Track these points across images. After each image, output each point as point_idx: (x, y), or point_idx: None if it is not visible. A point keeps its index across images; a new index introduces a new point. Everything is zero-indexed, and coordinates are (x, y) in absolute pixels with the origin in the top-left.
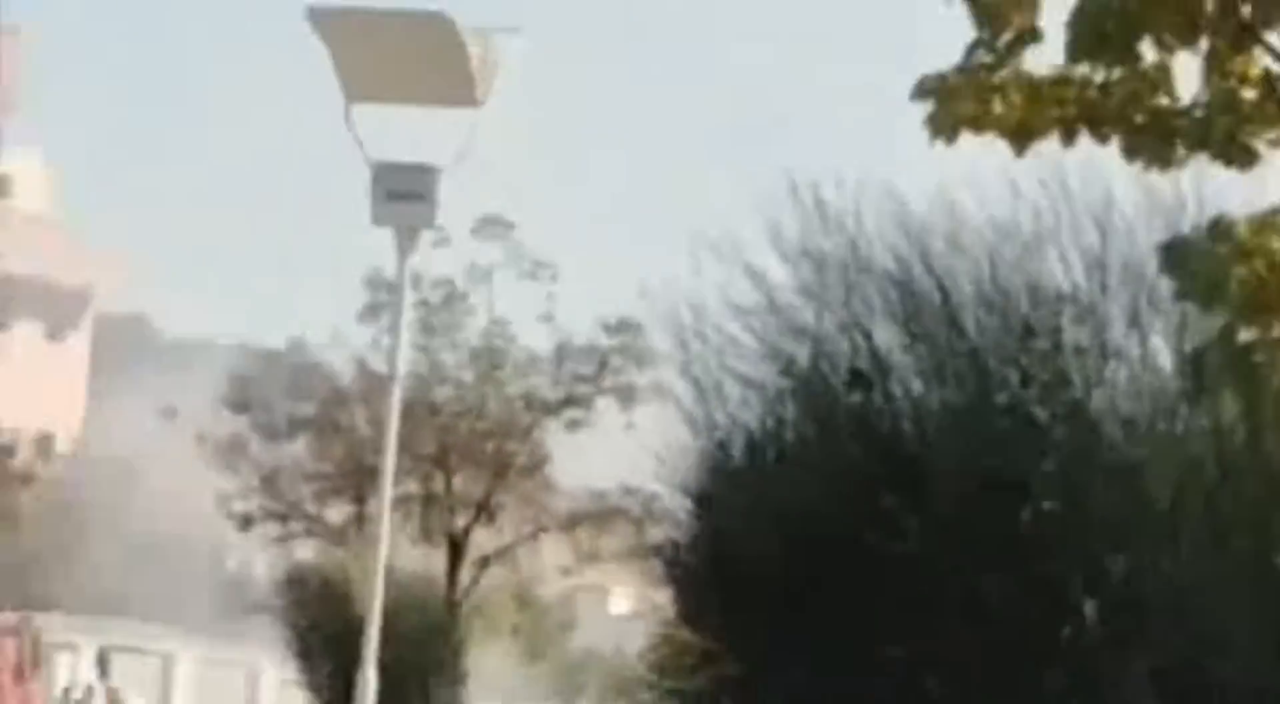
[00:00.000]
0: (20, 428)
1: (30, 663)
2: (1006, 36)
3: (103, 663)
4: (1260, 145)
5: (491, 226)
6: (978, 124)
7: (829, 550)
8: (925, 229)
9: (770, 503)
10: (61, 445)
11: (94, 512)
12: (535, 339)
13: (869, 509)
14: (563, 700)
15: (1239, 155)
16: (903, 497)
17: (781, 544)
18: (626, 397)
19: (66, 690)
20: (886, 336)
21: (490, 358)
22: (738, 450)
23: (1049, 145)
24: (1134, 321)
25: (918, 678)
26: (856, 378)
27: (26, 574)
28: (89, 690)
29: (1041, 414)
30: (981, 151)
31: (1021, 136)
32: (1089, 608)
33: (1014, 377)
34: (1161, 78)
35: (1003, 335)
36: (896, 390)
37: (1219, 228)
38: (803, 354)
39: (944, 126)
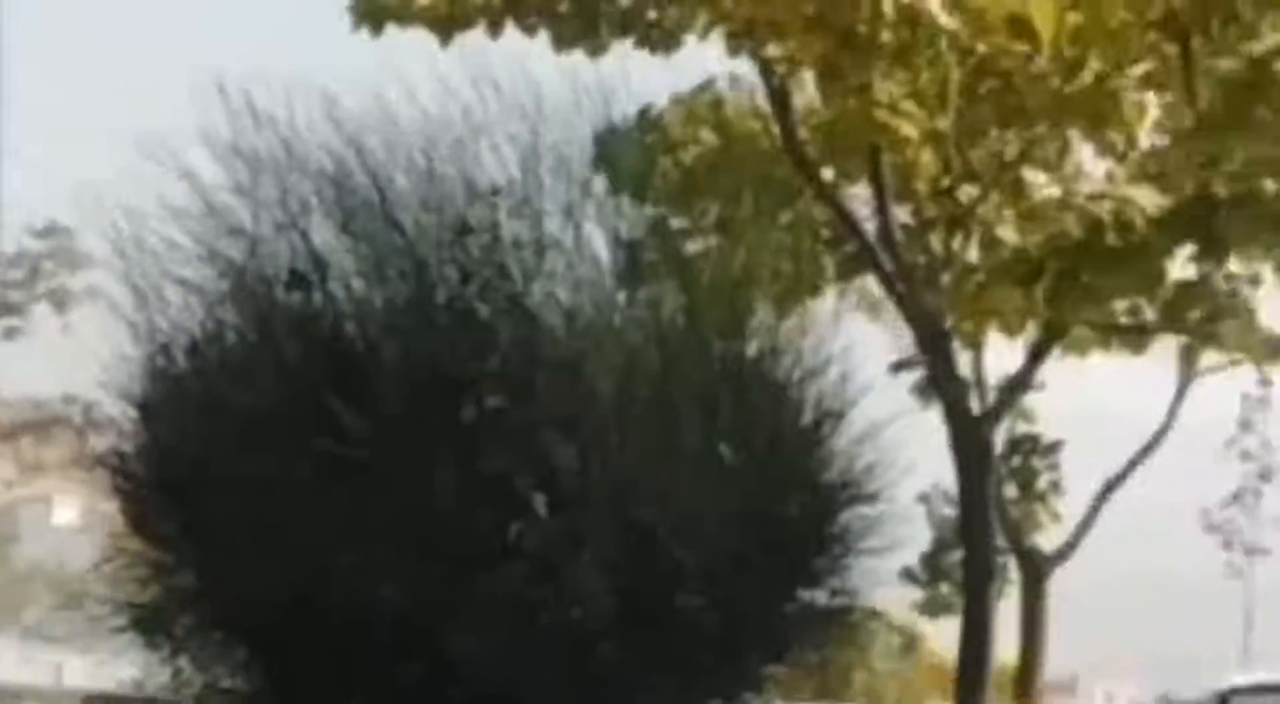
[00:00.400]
0: None
1: None
2: None
3: None
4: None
5: None
6: (402, 15)
7: (276, 455)
8: (358, 126)
9: (215, 409)
10: None
11: None
12: None
13: (315, 412)
14: (8, 614)
15: (660, 40)
16: (347, 398)
17: (228, 451)
18: (61, 302)
19: None
20: (325, 236)
21: None
22: (180, 356)
23: (475, 36)
24: (569, 213)
25: (371, 584)
26: (295, 278)
27: None
28: None
29: (483, 309)
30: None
31: (446, 27)
32: (539, 503)
33: (454, 273)
34: None
35: (441, 232)
36: (337, 291)
37: (646, 119)
38: (241, 256)
39: (367, 15)
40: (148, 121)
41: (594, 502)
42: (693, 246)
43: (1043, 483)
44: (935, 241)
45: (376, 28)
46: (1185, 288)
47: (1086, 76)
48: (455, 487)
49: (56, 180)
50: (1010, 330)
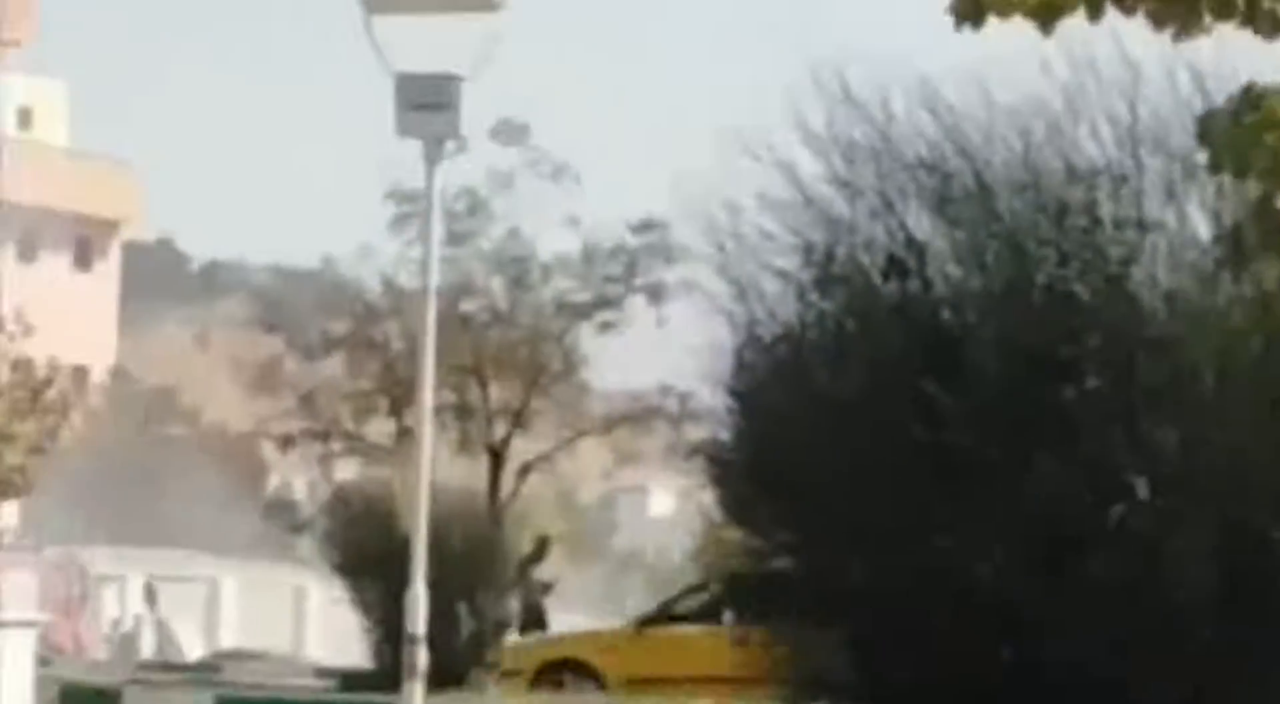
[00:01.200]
0: (54, 360)
1: (78, 597)
2: None
3: (150, 593)
4: None
5: (508, 130)
6: (1001, 6)
7: (872, 441)
8: (955, 113)
9: (811, 396)
10: (96, 376)
11: (133, 441)
12: (563, 243)
13: (911, 398)
14: (613, 604)
15: (1264, 22)
16: (945, 383)
17: (824, 437)
18: (657, 295)
19: (115, 622)
20: (921, 223)
21: (517, 265)
22: (776, 345)
23: (1074, 21)
24: (1170, 194)
25: (968, 564)
26: (893, 266)
27: (70, 509)
28: (137, 621)
29: (1081, 291)
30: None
31: (1047, 14)
32: (1140, 485)
33: (1052, 255)
34: None
35: (1038, 215)
36: (934, 277)
37: (1248, 97)
38: (838, 246)
39: (968, 10)
40: (741, 116)
41: (1196, 484)
42: None
43: None
44: None
45: (977, 23)
46: None
47: None
48: (1054, 469)
49: (653, 175)
50: None
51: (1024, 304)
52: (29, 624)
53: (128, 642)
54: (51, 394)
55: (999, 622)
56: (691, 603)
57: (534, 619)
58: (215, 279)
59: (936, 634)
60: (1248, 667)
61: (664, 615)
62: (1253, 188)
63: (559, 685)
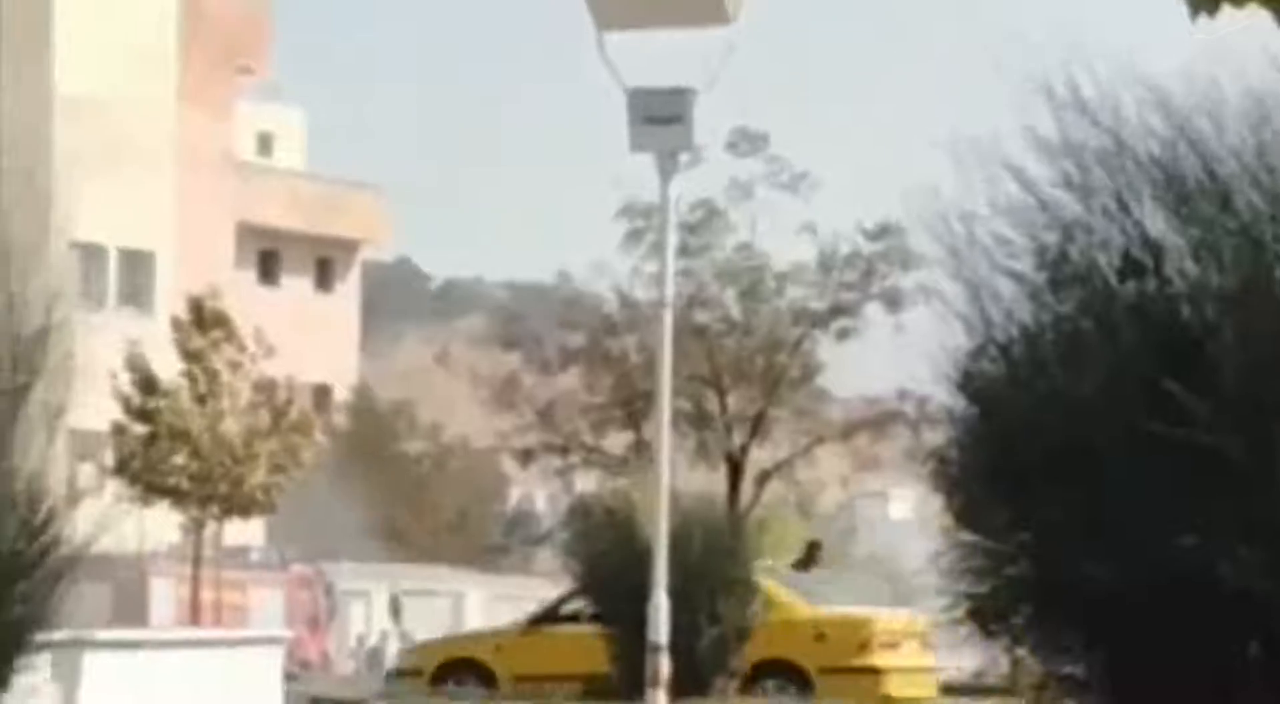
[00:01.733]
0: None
1: (325, 613)
2: None
3: (395, 608)
4: None
5: (746, 141)
6: None
7: (1111, 441)
8: (1186, 110)
9: (1049, 398)
10: (339, 395)
11: (376, 459)
12: (797, 251)
13: (1152, 399)
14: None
15: None
16: (1185, 381)
17: (1064, 440)
18: (894, 301)
19: (361, 637)
20: (1156, 222)
21: (752, 275)
22: (1013, 347)
23: None
24: None
25: (1213, 564)
26: (1130, 266)
27: (313, 526)
28: (384, 635)
29: None
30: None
31: None
32: None
33: None
34: None
35: (1275, 209)
36: (1171, 275)
37: None
38: (1072, 247)
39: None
40: (971, 121)
41: None
42: None
43: None
44: None
45: (1212, 10)
46: None
47: None
48: None
49: (888, 182)
50: None
51: (1263, 299)
52: (276, 640)
53: (374, 656)
54: (294, 413)
55: (1245, 621)
56: (581, 603)
57: None
58: (453, 297)
59: (1181, 634)
60: None
61: (553, 615)
62: None
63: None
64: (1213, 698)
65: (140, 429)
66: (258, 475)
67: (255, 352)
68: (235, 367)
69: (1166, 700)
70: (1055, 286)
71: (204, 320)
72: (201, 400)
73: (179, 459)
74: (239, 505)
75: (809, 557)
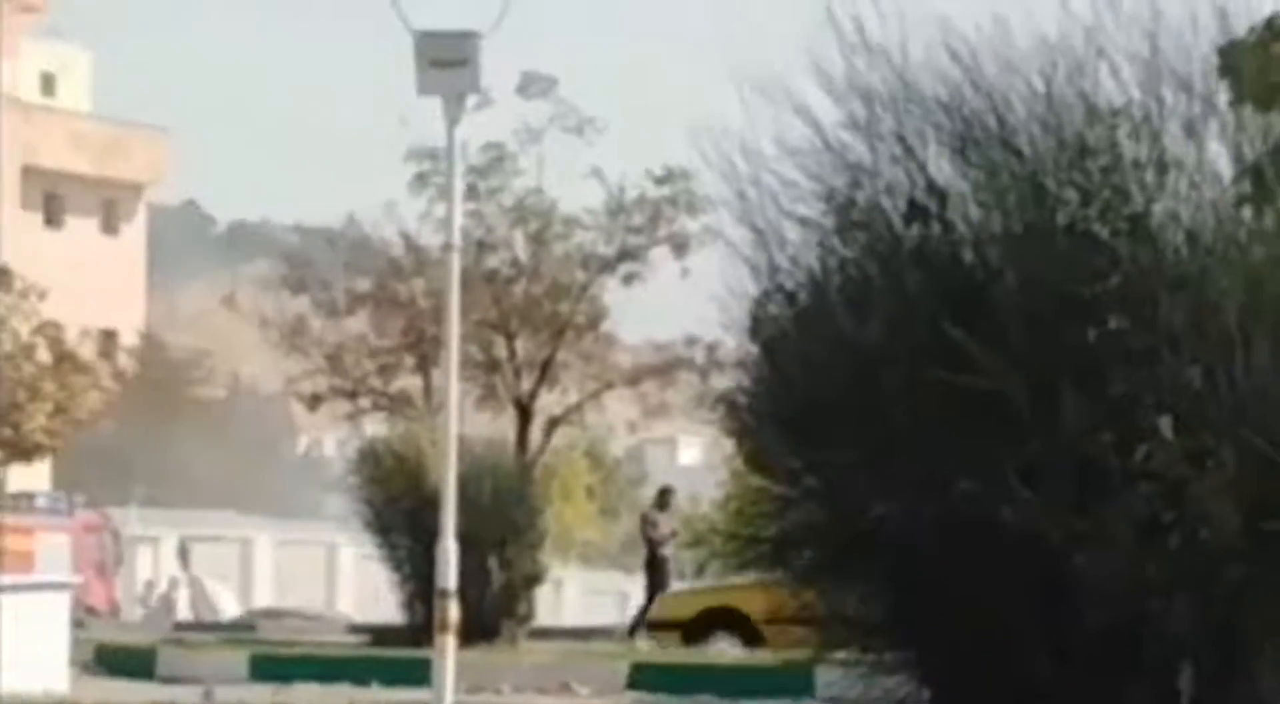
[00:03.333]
0: (82, 325)
1: (113, 559)
2: None
3: (184, 554)
4: None
5: (535, 84)
6: None
7: (899, 388)
8: (974, 53)
9: (835, 343)
10: (125, 339)
11: (163, 404)
12: (586, 195)
13: (936, 343)
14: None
15: None
16: (968, 326)
17: (851, 384)
18: (681, 246)
19: (149, 583)
20: (942, 166)
21: (540, 219)
22: (799, 292)
23: None
24: (1190, 131)
25: (995, 507)
26: (915, 210)
27: (101, 471)
28: (173, 581)
29: (1103, 231)
30: None
31: None
32: (1164, 425)
33: (1073, 195)
34: None
35: (1060, 154)
36: (955, 220)
37: (1272, 28)
38: (858, 191)
39: None
40: (761, 59)
41: (1219, 422)
42: None
43: None
44: None
45: None
46: None
47: None
48: (1078, 409)
49: (676, 125)
50: None
51: (1046, 245)
52: (64, 586)
53: (162, 602)
54: (76, 356)
55: (1025, 563)
56: None
57: (659, 571)
58: (240, 240)
59: (963, 575)
60: (1273, 597)
61: None
62: (1276, 121)
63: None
64: (998, 638)
65: None
66: (39, 419)
67: (31, 293)
68: (11, 310)
69: (952, 642)
70: (842, 231)
71: None
72: None
73: None
74: (21, 450)
75: (661, 502)
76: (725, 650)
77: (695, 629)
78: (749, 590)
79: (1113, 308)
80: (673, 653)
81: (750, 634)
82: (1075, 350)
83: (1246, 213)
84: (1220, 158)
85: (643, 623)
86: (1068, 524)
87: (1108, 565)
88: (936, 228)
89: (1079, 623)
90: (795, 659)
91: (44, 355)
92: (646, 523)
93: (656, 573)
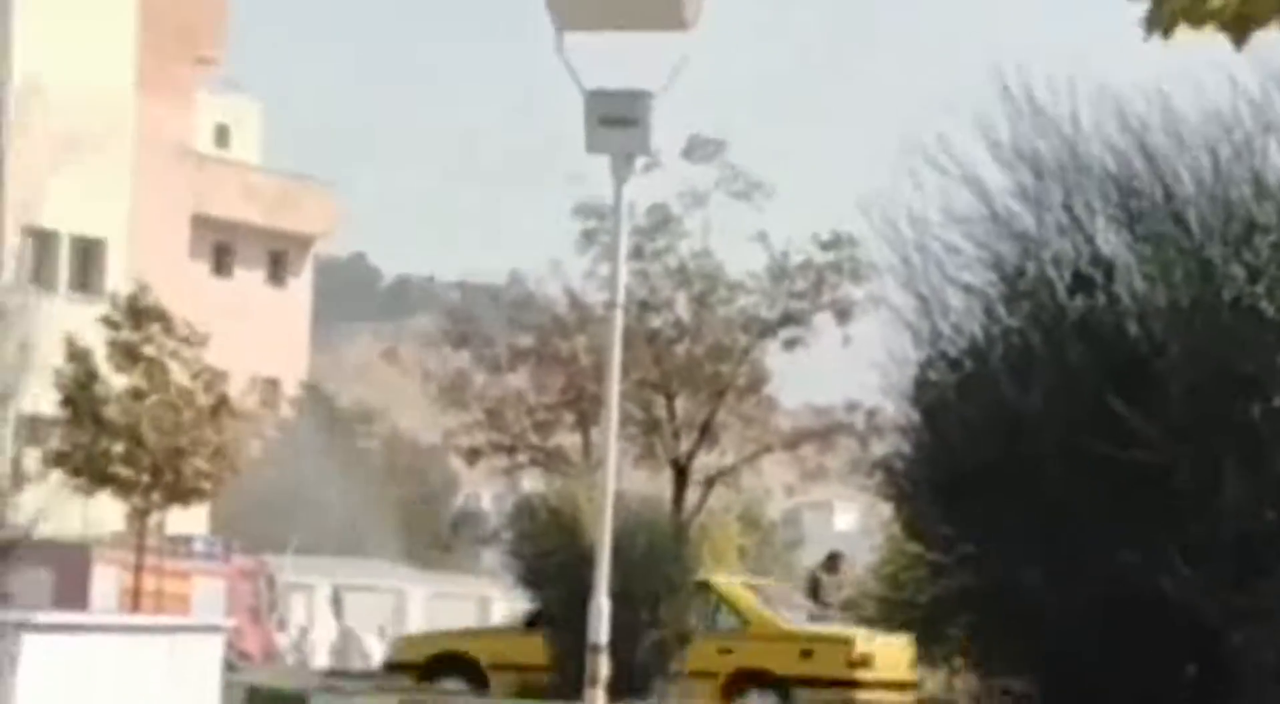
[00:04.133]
0: (248, 373)
1: (266, 605)
2: None
3: (337, 602)
4: None
5: (702, 147)
6: (1194, 16)
7: (1057, 456)
8: (1143, 125)
9: (997, 410)
10: (288, 390)
11: (323, 454)
12: (750, 259)
13: (1098, 414)
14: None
15: None
16: (1131, 399)
17: (1010, 453)
18: (844, 312)
19: (303, 630)
20: (1109, 238)
21: (704, 281)
22: (961, 359)
23: (1263, 33)
24: None
25: (1154, 581)
26: (1080, 281)
27: (260, 518)
28: (302, 630)
29: (1269, 308)
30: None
31: (1240, 26)
32: None
33: (1240, 271)
34: None
35: (1228, 230)
36: (1121, 292)
37: None
38: (1024, 260)
39: (1160, 20)
40: (929, 130)
41: None
42: None
43: None
44: None
45: (1167, 32)
46: None
47: None
48: (1241, 486)
49: (843, 192)
50: None
51: (1211, 320)
52: (217, 629)
53: (314, 649)
54: (236, 403)
55: (1185, 639)
56: None
57: None
58: (405, 294)
59: (1121, 650)
60: None
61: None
62: None
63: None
64: None
65: (81, 417)
66: (197, 464)
67: (192, 341)
68: (173, 356)
69: None
70: (1006, 300)
71: (139, 313)
72: (138, 395)
73: (118, 448)
74: (180, 493)
75: (830, 565)
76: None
77: (429, 671)
78: (477, 637)
79: (1277, 385)
80: None
81: (477, 678)
82: (1238, 427)
83: None
84: None
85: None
86: (1227, 601)
87: (1267, 643)
88: (1101, 299)
89: (1237, 700)
90: None
91: (203, 400)
92: (814, 585)
93: None
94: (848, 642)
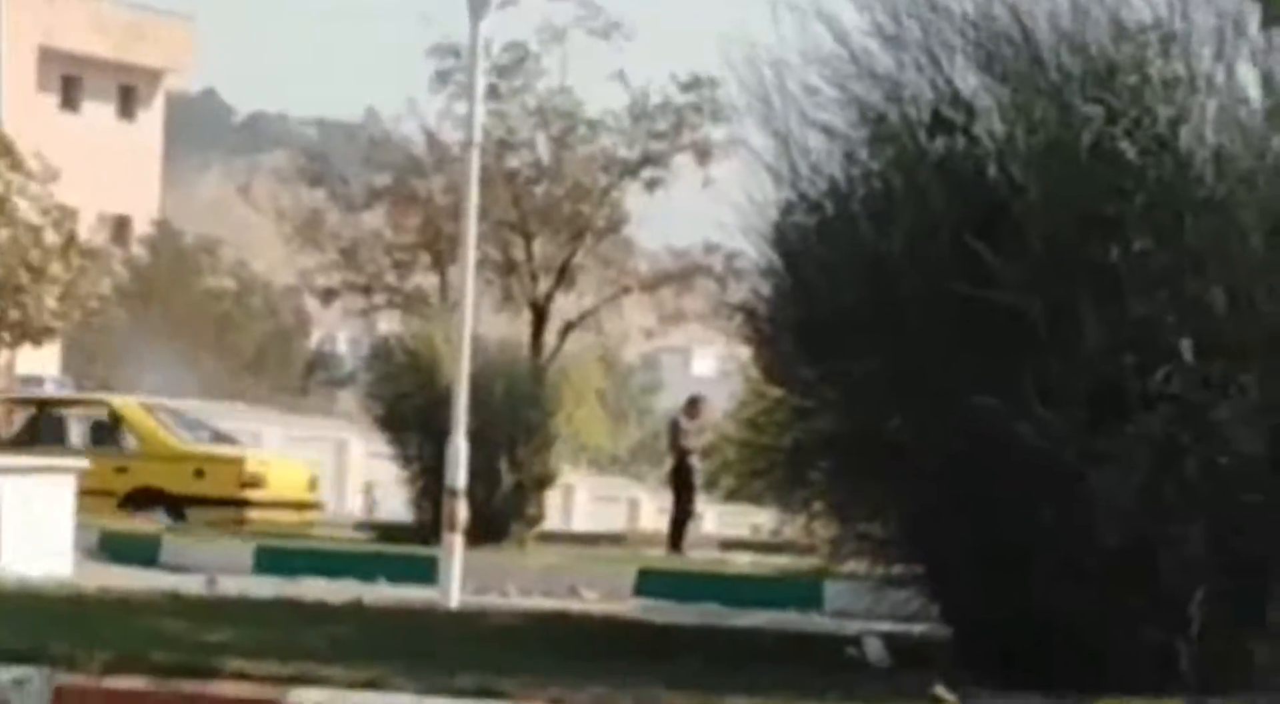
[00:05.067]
0: (96, 210)
1: None
2: None
3: None
4: None
5: None
6: None
7: (918, 301)
8: None
9: (857, 253)
10: (139, 227)
11: (174, 293)
12: (610, 99)
13: (958, 258)
14: (650, 461)
15: None
16: (990, 241)
17: (870, 296)
18: (703, 153)
19: None
20: (968, 79)
21: (563, 120)
22: (821, 201)
23: None
24: (1219, 52)
25: (1012, 426)
26: (939, 122)
27: (110, 358)
28: None
29: (1129, 150)
30: None
31: None
32: (1185, 347)
33: (1099, 113)
34: None
35: (1086, 72)
36: (981, 134)
37: None
38: (885, 102)
39: None
40: None
41: (1242, 346)
42: None
43: None
44: None
45: None
46: None
47: None
48: (1099, 329)
49: (703, 33)
50: None
51: (1070, 163)
52: (69, 470)
53: None
54: (84, 241)
55: (1042, 483)
56: None
57: (684, 479)
58: (259, 132)
59: (978, 494)
60: None
61: None
62: None
63: None
64: (1010, 556)
65: None
66: (47, 302)
67: (40, 177)
68: (18, 191)
69: (964, 558)
70: (864, 141)
71: None
72: None
73: None
74: (29, 332)
75: (691, 409)
76: (733, 560)
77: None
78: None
79: (1136, 228)
80: (681, 561)
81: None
82: (1097, 269)
83: (1275, 136)
84: (1249, 79)
85: (682, 535)
86: (1084, 444)
87: (1123, 487)
88: (961, 141)
89: (1091, 543)
90: (804, 571)
91: (52, 238)
92: (675, 431)
93: (684, 482)
94: (238, 462)
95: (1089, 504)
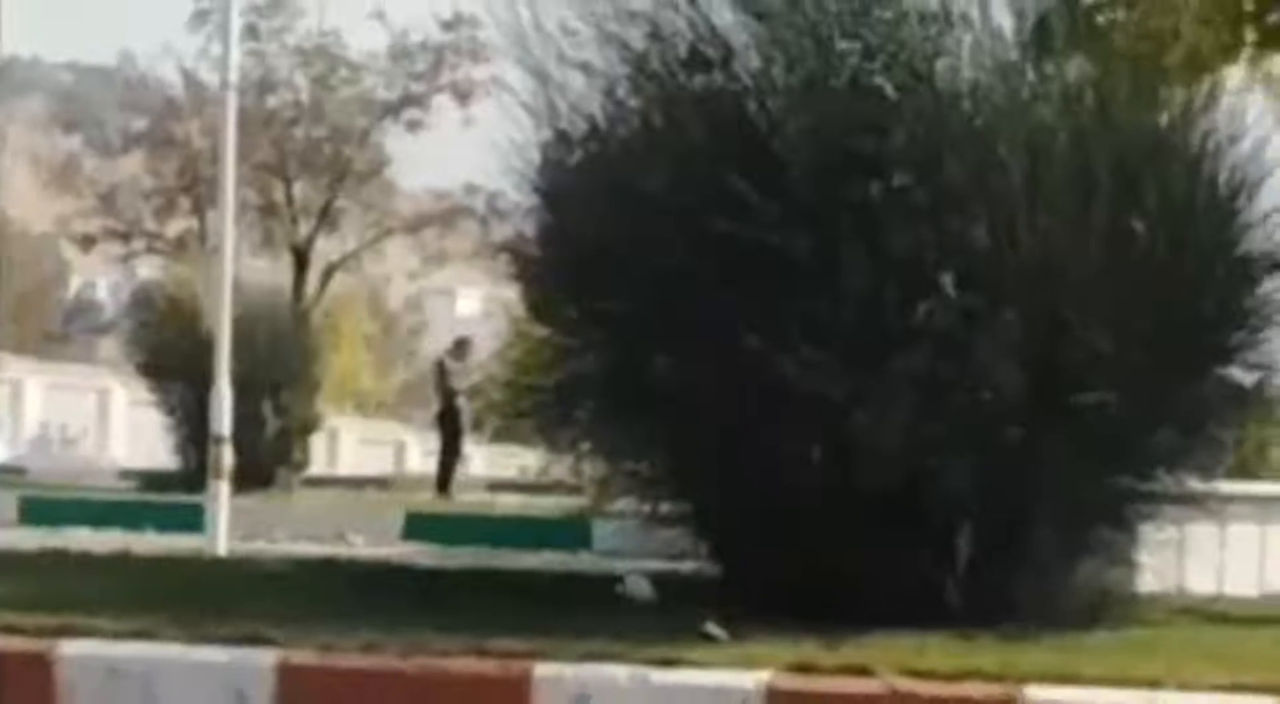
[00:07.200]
0: None
1: None
2: None
3: None
4: None
5: None
6: None
7: (680, 240)
8: None
9: (617, 193)
10: None
11: None
12: (370, 39)
13: (718, 194)
14: (417, 403)
15: None
16: (751, 178)
17: (632, 235)
18: (464, 93)
19: None
20: (724, 16)
21: (324, 61)
22: (581, 141)
23: None
24: None
25: (776, 363)
26: (697, 59)
27: None
28: None
29: (886, 86)
30: None
31: None
32: (947, 282)
33: (856, 49)
34: None
35: (842, 8)
36: (740, 71)
37: None
38: (641, 39)
39: None
40: None
41: (1003, 281)
42: (1102, 17)
43: None
44: None
45: None
46: None
47: None
48: (860, 266)
49: None
50: None
51: (829, 99)
52: None
53: None
54: None
55: (809, 422)
56: None
57: (452, 423)
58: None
59: (745, 433)
60: (1056, 465)
61: None
62: None
63: None
64: (778, 493)
65: None
66: None
67: None
68: None
69: (730, 500)
70: (623, 79)
71: None
72: None
73: None
74: None
75: (458, 352)
76: (501, 502)
77: None
78: None
79: (896, 164)
80: (449, 503)
81: None
82: (858, 206)
83: (1030, 69)
84: (1004, 15)
85: (450, 477)
86: (849, 381)
87: (887, 423)
88: (720, 78)
89: (858, 481)
90: (573, 511)
91: None
92: (442, 373)
93: (451, 424)
94: None
95: (854, 440)
